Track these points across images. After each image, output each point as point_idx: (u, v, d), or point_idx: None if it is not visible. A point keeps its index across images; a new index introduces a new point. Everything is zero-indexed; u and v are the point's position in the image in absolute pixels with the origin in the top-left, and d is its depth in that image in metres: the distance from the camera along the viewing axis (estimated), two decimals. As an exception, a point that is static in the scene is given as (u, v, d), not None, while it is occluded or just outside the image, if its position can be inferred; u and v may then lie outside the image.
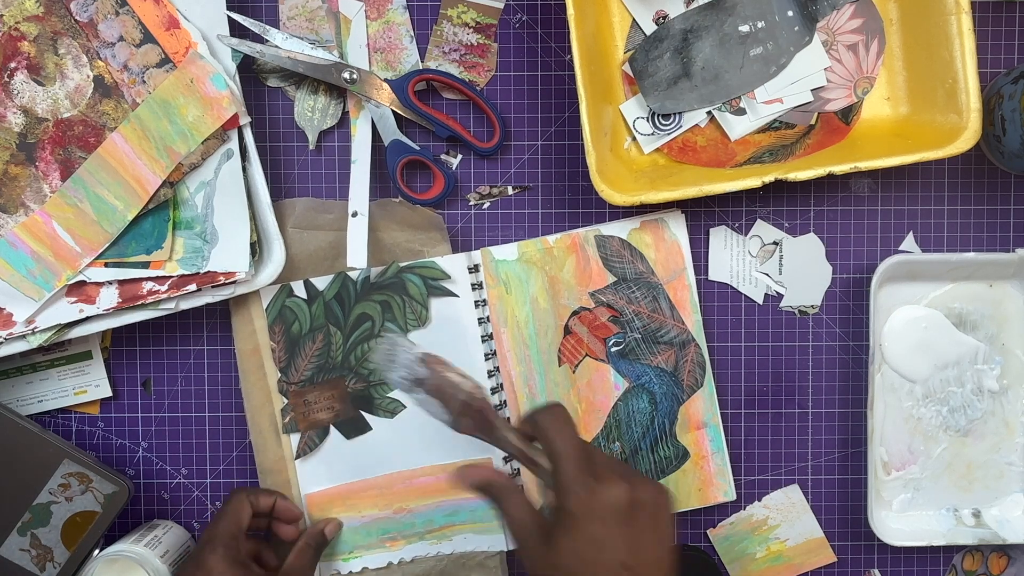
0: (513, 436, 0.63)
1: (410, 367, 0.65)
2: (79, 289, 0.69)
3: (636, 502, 0.57)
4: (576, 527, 0.56)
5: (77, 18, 0.68)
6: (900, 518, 0.76)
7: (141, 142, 0.64)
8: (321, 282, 0.73)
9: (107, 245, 0.65)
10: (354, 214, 0.73)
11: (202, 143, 0.68)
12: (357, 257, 0.73)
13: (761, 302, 0.77)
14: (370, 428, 0.74)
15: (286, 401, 0.73)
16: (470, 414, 0.64)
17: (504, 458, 0.74)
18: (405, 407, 0.74)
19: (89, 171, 0.63)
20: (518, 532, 0.60)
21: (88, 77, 0.68)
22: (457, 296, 0.73)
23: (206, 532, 0.68)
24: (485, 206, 0.76)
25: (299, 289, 0.73)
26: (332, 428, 0.74)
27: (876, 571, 0.78)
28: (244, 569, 0.66)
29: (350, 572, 0.75)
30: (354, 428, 0.74)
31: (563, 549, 0.57)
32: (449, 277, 0.73)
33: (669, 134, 0.74)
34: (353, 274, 0.73)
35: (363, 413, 0.74)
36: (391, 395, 0.74)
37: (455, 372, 0.65)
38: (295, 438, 0.74)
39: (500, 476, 0.62)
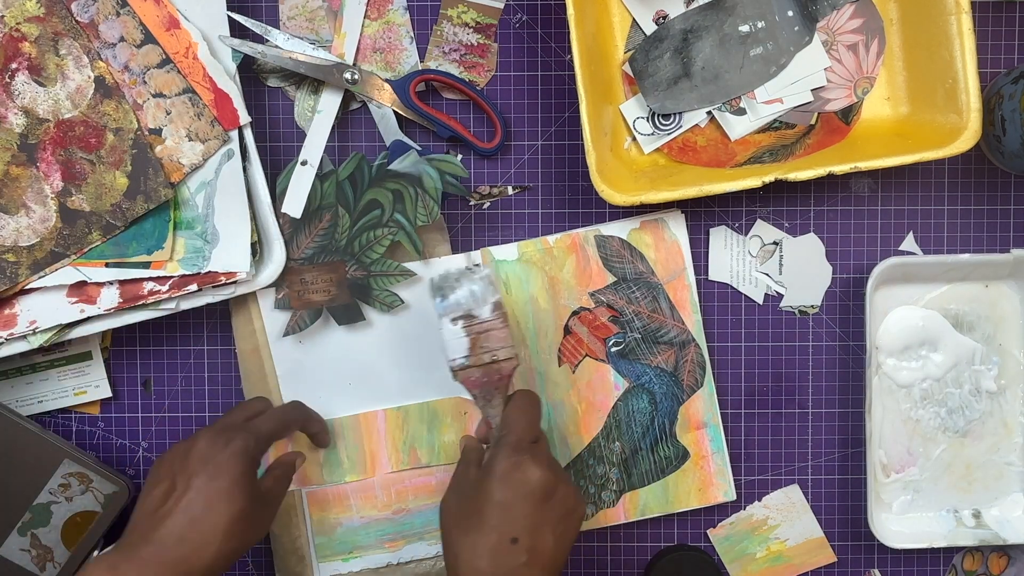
0: (494, 411, 0.66)
1: (477, 299, 0.65)
2: (80, 289, 0.69)
3: (553, 493, 0.60)
4: (490, 487, 0.60)
5: (78, 19, 0.68)
6: (900, 520, 0.76)
7: None
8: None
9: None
10: (303, 163, 0.72)
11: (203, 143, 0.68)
12: (294, 206, 0.71)
13: (761, 302, 0.77)
14: (363, 318, 0.73)
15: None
16: (489, 375, 0.65)
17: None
18: (403, 303, 0.73)
19: None
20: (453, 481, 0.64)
21: (89, 78, 0.68)
22: (469, 198, 0.73)
23: (237, 412, 0.67)
24: (485, 206, 0.76)
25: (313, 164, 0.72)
26: (325, 311, 0.73)
27: (876, 571, 0.78)
28: (254, 472, 0.63)
29: (349, 572, 0.75)
30: (347, 315, 0.73)
31: (472, 502, 0.60)
32: (467, 175, 0.72)
33: (669, 134, 0.74)
34: (371, 159, 0.72)
35: (359, 302, 0.73)
36: (390, 288, 0.73)
37: (508, 335, 0.65)
38: (285, 316, 0.73)
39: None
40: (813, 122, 0.74)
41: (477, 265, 0.71)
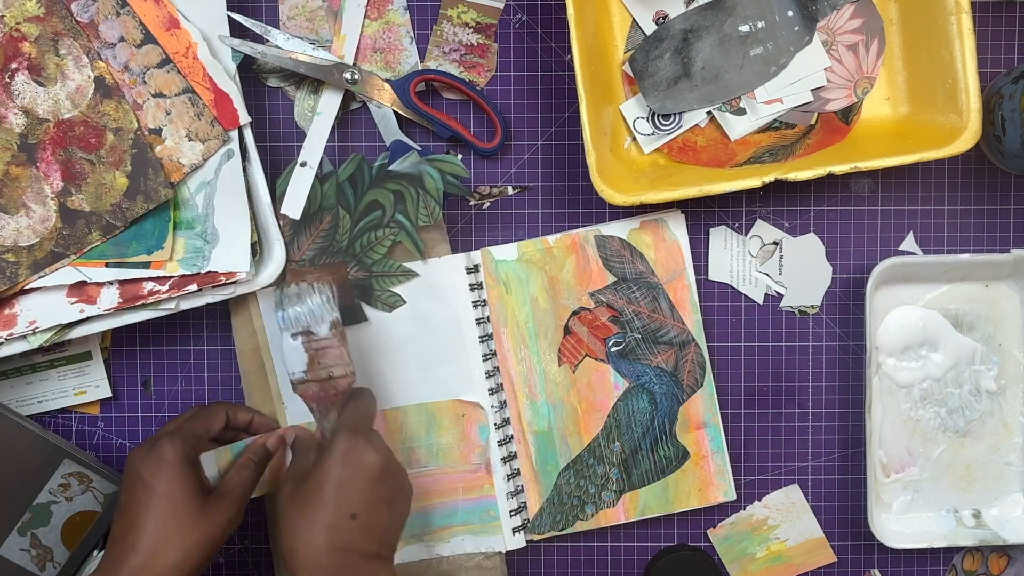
0: (329, 425, 0.67)
1: (315, 317, 0.66)
2: (80, 289, 0.69)
3: (387, 474, 0.63)
4: (329, 467, 0.61)
5: (78, 19, 0.68)
6: (900, 520, 0.76)
7: None
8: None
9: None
10: (303, 164, 0.72)
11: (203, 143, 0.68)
12: (293, 207, 0.71)
13: (761, 302, 0.77)
14: (366, 318, 0.73)
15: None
16: (326, 390, 0.66)
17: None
18: (405, 302, 0.73)
19: None
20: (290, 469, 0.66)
21: (89, 78, 0.68)
22: (470, 198, 0.73)
23: (171, 423, 0.68)
24: (485, 206, 0.76)
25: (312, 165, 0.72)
26: None
27: (876, 571, 0.78)
28: (194, 470, 0.64)
29: (350, 572, 0.75)
30: (350, 316, 0.73)
31: (310, 483, 0.62)
32: (468, 175, 0.72)
33: (669, 134, 0.74)
34: (371, 159, 0.72)
35: (361, 303, 0.73)
36: (393, 288, 0.73)
37: (343, 353, 0.66)
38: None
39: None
40: (813, 122, 0.74)
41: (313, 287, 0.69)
